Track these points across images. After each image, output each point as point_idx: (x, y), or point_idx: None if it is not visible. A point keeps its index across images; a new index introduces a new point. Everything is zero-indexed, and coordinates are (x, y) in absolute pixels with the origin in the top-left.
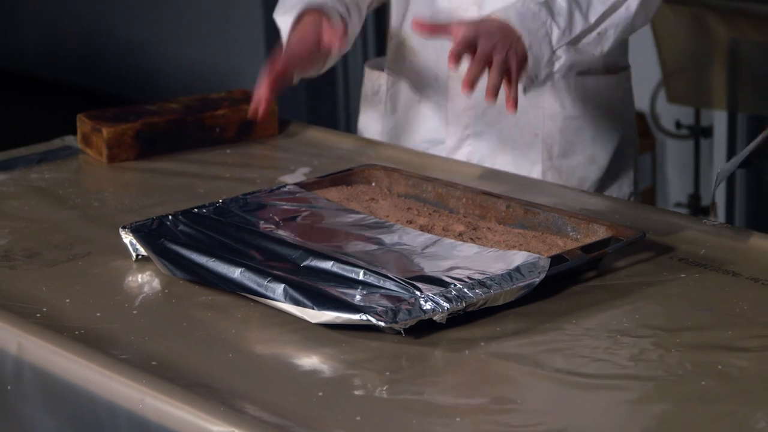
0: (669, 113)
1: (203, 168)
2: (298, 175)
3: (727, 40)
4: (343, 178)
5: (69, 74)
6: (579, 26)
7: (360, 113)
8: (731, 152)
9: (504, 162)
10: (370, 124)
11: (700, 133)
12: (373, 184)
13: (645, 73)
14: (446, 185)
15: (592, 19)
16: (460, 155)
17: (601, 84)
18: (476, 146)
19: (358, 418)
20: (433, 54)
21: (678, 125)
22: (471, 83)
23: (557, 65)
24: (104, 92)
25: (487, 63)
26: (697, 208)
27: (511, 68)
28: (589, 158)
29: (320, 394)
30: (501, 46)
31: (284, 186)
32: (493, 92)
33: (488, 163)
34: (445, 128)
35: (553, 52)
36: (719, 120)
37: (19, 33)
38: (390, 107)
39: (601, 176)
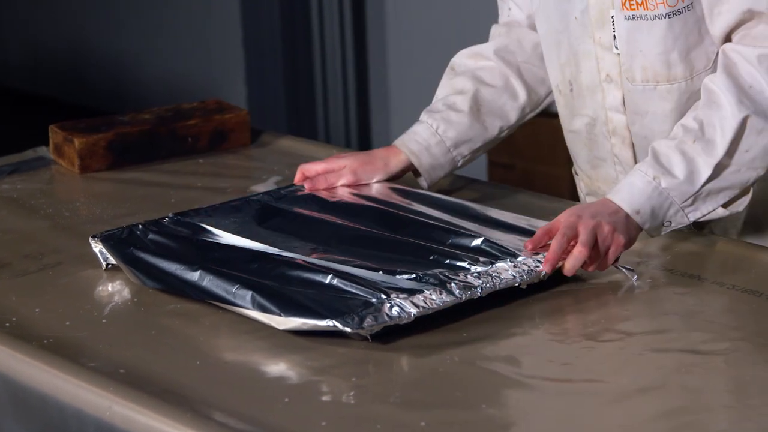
0: None
1: (175, 178)
2: (270, 184)
3: None
4: None
5: (51, 88)
6: (706, 168)
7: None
8: None
9: None
10: None
11: None
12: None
13: None
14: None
15: (721, 151)
16: None
17: None
18: None
19: (323, 424)
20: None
21: None
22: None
23: (698, 214)
24: (86, 106)
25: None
26: None
27: (607, 255)
28: None
29: (286, 400)
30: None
31: (256, 195)
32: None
33: None
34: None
35: (682, 209)
36: None
37: (1, 47)
38: None
39: None
